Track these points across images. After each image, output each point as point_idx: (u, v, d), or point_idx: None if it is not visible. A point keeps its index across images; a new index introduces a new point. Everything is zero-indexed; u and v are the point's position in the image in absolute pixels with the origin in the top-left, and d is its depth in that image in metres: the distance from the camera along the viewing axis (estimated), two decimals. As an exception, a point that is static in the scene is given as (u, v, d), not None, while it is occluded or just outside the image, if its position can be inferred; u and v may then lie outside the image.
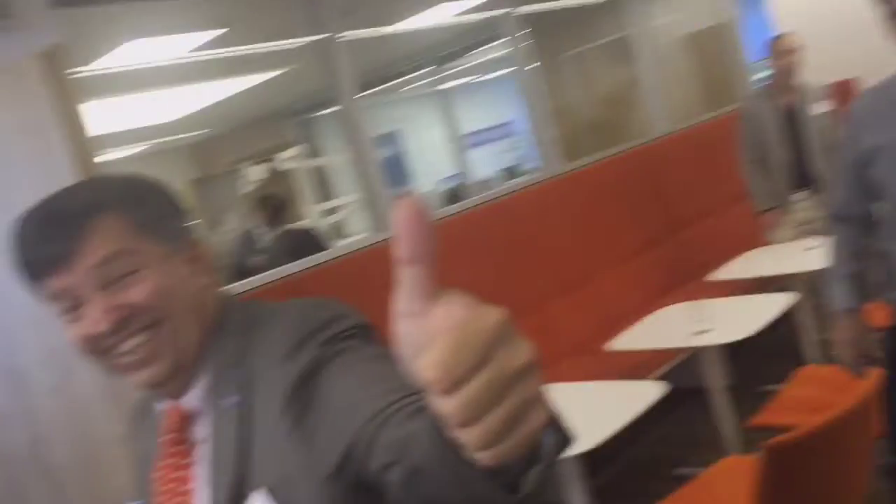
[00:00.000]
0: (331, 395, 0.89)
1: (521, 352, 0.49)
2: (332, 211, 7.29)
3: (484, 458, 0.50)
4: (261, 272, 3.15)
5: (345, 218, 7.30)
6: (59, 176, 1.80)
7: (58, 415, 2.16)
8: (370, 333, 0.97)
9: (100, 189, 1.01)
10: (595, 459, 2.42)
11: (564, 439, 0.63)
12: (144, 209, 0.98)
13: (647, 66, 5.62)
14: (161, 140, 8.08)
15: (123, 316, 0.94)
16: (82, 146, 1.76)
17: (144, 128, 6.98)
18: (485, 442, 0.49)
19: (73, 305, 0.95)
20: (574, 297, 4.08)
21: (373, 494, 0.84)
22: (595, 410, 2.59)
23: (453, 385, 0.47)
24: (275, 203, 5.39)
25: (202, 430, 1.01)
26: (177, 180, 7.86)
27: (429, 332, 0.50)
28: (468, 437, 0.49)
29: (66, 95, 1.78)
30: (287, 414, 0.91)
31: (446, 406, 0.48)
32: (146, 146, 8.09)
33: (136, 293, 0.95)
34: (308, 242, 4.72)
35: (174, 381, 1.00)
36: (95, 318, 0.93)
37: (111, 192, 0.99)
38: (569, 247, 4.23)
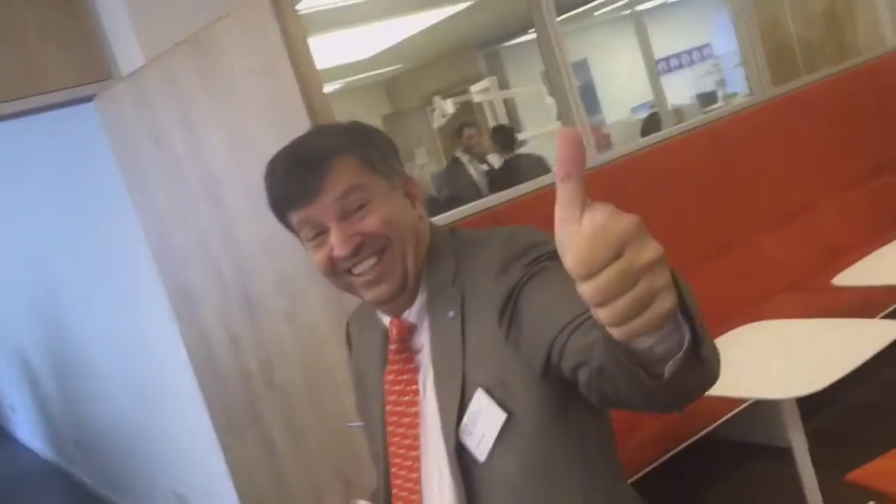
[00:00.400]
0: (531, 309, 1.04)
1: (650, 250, 0.60)
2: (521, 143, 7.22)
3: (616, 333, 0.62)
4: (466, 203, 3.18)
5: (534, 150, 7.21)
6: (292, 112, 1.85)
7: (286, 339, 2.29)
8: None
9: (335, 134, 1.17)
10: (808, 401, 2.25)
11: (702, 335, 0.73)
12: (371, 150, 1.16)
13: (874, -28, 5.04)
14: (355, 77, 8.32)
15: (359, 242, 1.12)
16: (312, 82, 1.81)
17: (339, 66, 7.21)
18: (615, 320, 0.60)
19: (316, 234, 1.14)
20: (789, 229, 3.81)
21: (574, 392, 0.98)
22: (819, 349, 2.40)
23: (589, 273, 0.58)
24: (502, 132, 5.41)
25: (419, 340, 1.20)
26: (369, 116, 8.09)
27: (577, 232, 0.61)
28: (601, 315, 0.61)
29: (294, 31, 1.82)
30: (501, 325, 1.06)
31: (584, 290, 0.59)
32: (341, 84, 8.36)
33: (369, 222, 1.12)
34: (532, 167, 4.70)
35: (400, 298, 1.17)
36: (336, 244, 1.11)
37: (344, 136, 1.16)
38: (782, 176, 3.94)
